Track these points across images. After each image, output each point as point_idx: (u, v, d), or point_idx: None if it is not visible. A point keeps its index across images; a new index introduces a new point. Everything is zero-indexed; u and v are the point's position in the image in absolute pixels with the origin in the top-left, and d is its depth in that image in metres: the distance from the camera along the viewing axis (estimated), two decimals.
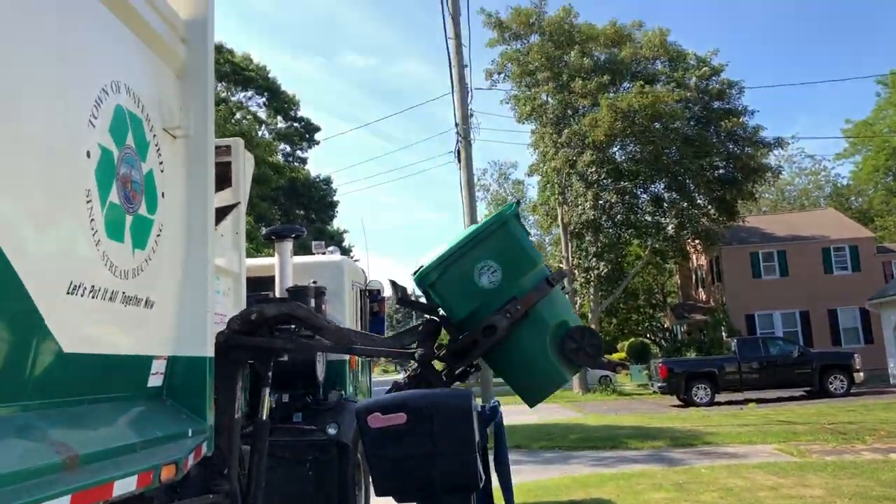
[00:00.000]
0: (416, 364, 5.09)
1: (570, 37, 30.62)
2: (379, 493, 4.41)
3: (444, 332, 5.26)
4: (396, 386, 5.16)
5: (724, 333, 33.76)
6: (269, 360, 5.33)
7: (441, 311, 5.24)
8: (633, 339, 46.41)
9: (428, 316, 5.35)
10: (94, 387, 3.31)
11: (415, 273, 5.25)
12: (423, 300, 5.47)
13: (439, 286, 5.03)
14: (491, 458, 5.55)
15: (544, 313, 4.93)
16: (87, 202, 3.16)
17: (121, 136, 3.49)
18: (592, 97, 29.94)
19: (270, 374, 5.34)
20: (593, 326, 34.40)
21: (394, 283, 5.66)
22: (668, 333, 43.77)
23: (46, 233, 2.90)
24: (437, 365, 5.26)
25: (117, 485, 2.85)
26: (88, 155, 3.18)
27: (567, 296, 5.69)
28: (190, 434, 3.91)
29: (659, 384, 25.80)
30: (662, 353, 38.36)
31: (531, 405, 5.33)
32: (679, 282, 46.16)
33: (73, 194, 3.07)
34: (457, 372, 5.22)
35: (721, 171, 32.20)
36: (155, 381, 3.93)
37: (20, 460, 2.58)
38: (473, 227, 5.43)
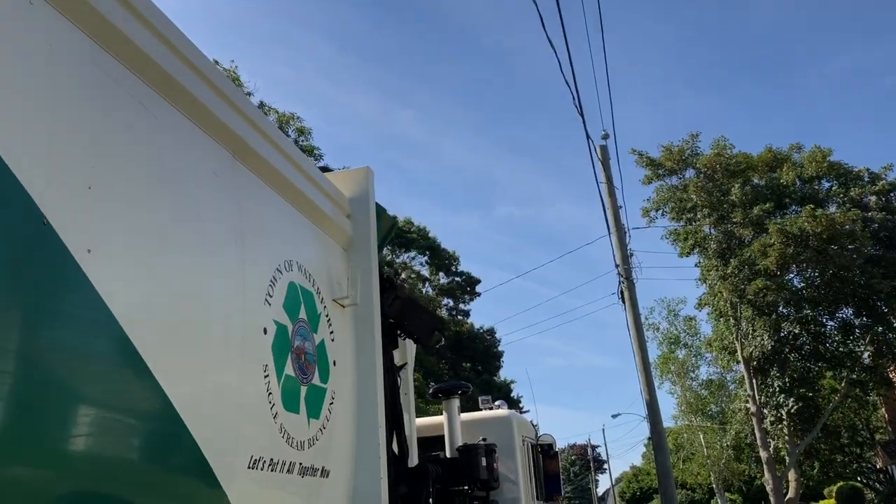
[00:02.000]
0: None
1: (727, 169, 30.05)
2: None
3: None
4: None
5: None
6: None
7: None
8: (841, 484, 41.58)
9: None
10: None
11: None
12: None
13: None
14: None
15: None
16: (265, 376, 3.32)
17: (294, 311, 3.70)
18: (756, 226, 28.81)
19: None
20: (792, 472, 31.27)
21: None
22: (881, 475, 38.93)
23: (227, 408, 3.04)
24: None
25: None
26: (265, 332, 3.37)
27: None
28: None
29: None
30: (878, 499, 33.97)
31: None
32: (887, 416, 41.47)
33: (251, 369, 3.23)
34: None
35: None
36: None
37: None
38: None
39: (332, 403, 3.96)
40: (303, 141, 24.08)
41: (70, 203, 2.34)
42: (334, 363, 4.08)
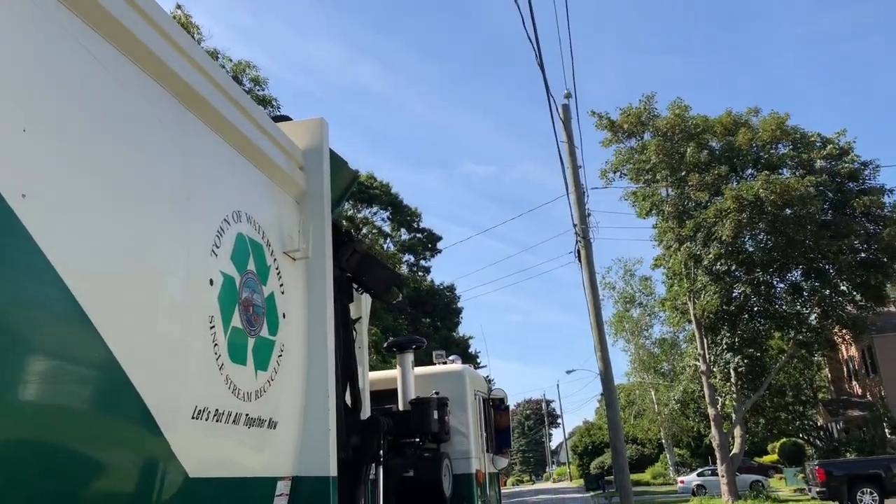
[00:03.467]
0: None
1: (685, 131, 30.26)
2: None
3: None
4: None
5: (887, 430, 30.81)
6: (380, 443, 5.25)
7: None
8: (784, 440, 43.12)
9: None
10: None
11: None
12: None
13: None
14: None
15: None
16: (211, 328, 3.29)
17: (242, 263, 3.66)
18: (711, 189, 29.20)
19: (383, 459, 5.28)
20: (738, 429, 32.27)
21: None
22: (822, 432, 40.42)
23: (171, 359, 3.02)
24: None
25: None
26: (211, 283, 3.34)
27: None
28: None
29: (818, 489, 23.63)
30: (818, 454, 35.32)
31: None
32: (830, 376, 42.96)
33: (196, 320, 3.21)
34: None
35: (862, 254, 30.21)
36: (280, 502, 3.94)
37: None
38: None
39: (280, 356, 3.96)
40: (259, 91, 23.63)
41: (2, 146, 2.27)
42: (284, 316, 4.06)
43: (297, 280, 4.36)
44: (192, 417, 3.10)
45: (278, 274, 4.08)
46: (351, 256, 5.35)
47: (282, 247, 4.19)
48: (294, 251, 4.30)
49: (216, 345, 3.31)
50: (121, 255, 2.78)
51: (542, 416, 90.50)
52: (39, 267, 2.36)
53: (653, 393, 48.09)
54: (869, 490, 22.51)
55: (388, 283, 6.13)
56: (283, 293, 4.09)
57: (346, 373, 5.03)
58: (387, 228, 42.55)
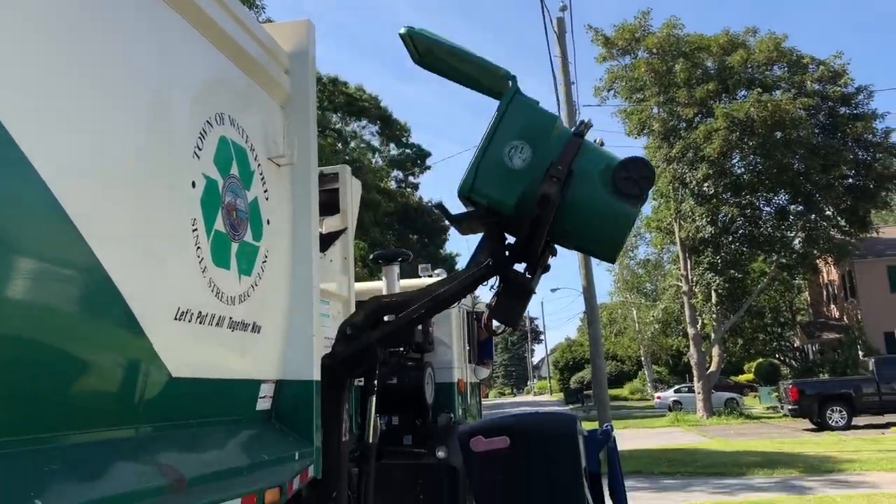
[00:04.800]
0: (498, 277, 4.89)
1: (678, 48, 29.74)
2: None
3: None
4: (488, 307, 4.99)
5: (860, 352, 31.62)
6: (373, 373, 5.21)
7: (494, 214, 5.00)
8: (761, 360, 44.24)
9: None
10: (202, 411, 3.41)
11: (458, 192, 5.10)
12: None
13: (479, 186, 4.73)
14: (605, 484, 5.37)
15: (585, 164, 4.65)
16: (193, 230, 3.27)
17: (225, 166, 3.61)
18: (699, 106, 28.93)
19: (375, 391, 5.29)
20: (716, 348, 33.00)
21: (440, 206, 5.41)
22: (798, 353, 41.46)
23: (153, 260, 3.01)
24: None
25: None
26: (193, 185, 3.30)
27: (603, 146, 5.48)
28: (297, 457, 3.96)
29: (790, 407, 24.40)
30: (793, 374, 36.32)
31: (612, 260, 5.07)
32: (809, 299, 43.75)
33: (178, 223, 3.19)
34: (539, 262, 4.94)
35: (850, 180, 30.32)
36: (263, 404, 4.01)
37: (128, 483, 2.67)
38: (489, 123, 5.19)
39: (265, 261, 3.96)
40: None
41: None
42: (268, 222, 4.04)
43: (282, 187, 4.31)
44: (175, 318, 3.12)
45: (262, 180, 4.04)
46: None
47: (266, 152, 4.13)
48: (279, 157, 4.24)
49: (199, 248, 3.30)
50: (101, 156, 2.73)
51: (525, 332, 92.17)
52: (21, 169, 2.31)
53: (634, 312, 48.92)
54: (838, 409, 23.25)
55: None
56: (267, 199, 4.06)
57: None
58: (376, 143, 42.14)
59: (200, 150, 3.37)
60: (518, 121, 4.84)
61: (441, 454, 6.94)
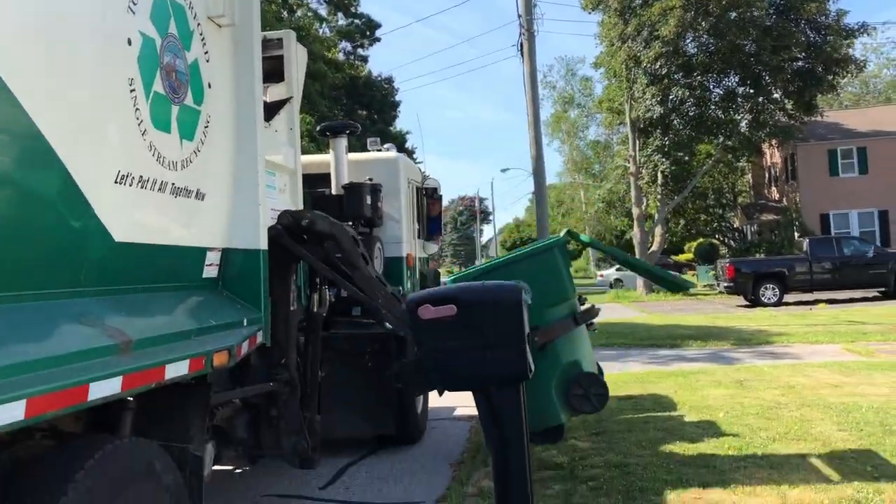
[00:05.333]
0: None
1: None
2: (431, 386, 4.47)
3: None
4: None
5: (796, 233, 32.81)
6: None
7: None
8: (701, 240, 45.59)
9: None
10: (147, 276, 3.39)
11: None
12: None
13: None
14: None
15: (560, 350, 4.85)
16: (131, 91, 3.15)
17: (163, 24, 3.44)
18: None
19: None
20: (659, 228, 33.82)
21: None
22: (737, 234, 42.80)
23: (91, 122, 2.89)
24: None
25: (169, 368, 2.94)
26: (129, 42, 3.14)
27: (594, 333, 6.16)
28: (245, 323, 4.01)
29: (725, 284, 25.39)
30: (731, 254, 37.60)
31: None
32: (751, 181, 44.76)
33: (115, 83, 3.05)
34: None
35: (800, 63, 30.44)
36: (210, 272, 4.00)
37: (76, 343, 2.67)
38: (522, 249, 5.53)
39: (207, 127, 3.85)
40: None
41: None
42: (209, 86, 3.90)
43: (224, 49, 4.14)
44: (116, 182, 3.04)
45: (202, 40, 3.86)
46: None
47: (206, 11, 3.93)
48: (219, 17, 4.04)
49: (138, 109, 3.18)
50: (32, 14, 2.56)
51: (474, 212, 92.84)
52: None
53: (582, 193, 49.56)
54: (771, 286, 24.30)
55: None
56: (208, 62, 3.90)
57: None
58: (323, 12, 40.44)
59: (135, 4, 3.19)
60: (541, 269, 5.28)
61: (390, 325, 7.08)
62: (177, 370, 3.00)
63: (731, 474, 5.53)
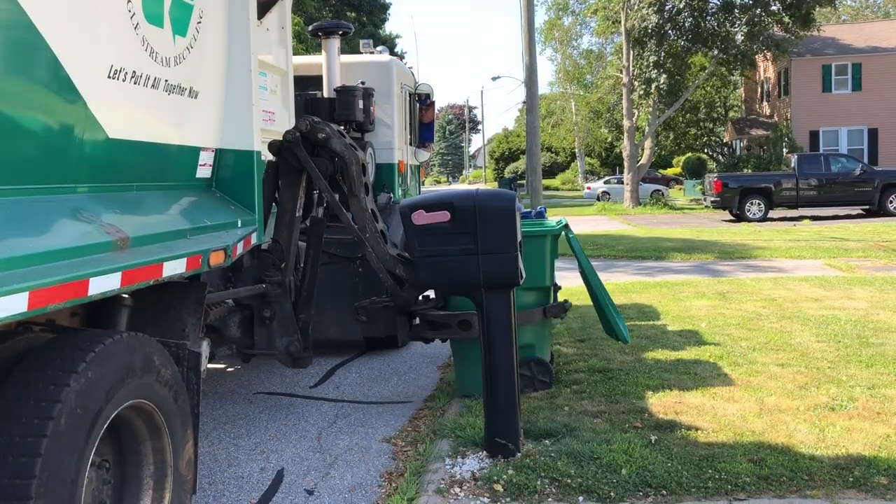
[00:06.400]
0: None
1: None
2: (422, 287, 4.54)
3: None
4: None
5: (785, 149, 32.79)
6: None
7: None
8: (689, 155, 45.50)
9: None
10: (142, 174, 3.37)
11: None
12: None
13: None
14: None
15: (520, 332, 4.83)
16: None
17: None
18: None
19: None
20: (649, 141, 33.65)
21: None
22: (726, 149, 42.72)
23: (82, 15, 2.81)
24: None
25: (167, 266, 2.96)
26: None
27: (561, 322, 6.29)
28: (239, 224, 4.01)
29: (712, 199, 25.52)
30: (719, 169, 37.65)
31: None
32: (743, 95, 44.35)
33: None
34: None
35: None
36: (203, 172, 3.98)
37: (74, 238, 2.68)
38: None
39: (199, 22, 3.74)
40: None
41: None
42: None
43: None
44: (109, 77, 2.98)
45: None
46: None
47: None
48: None
49: (129, 1, 3.08)
50: None
51: (463, 121, 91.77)
52: None
53: (573, 104, 48.97)
54: (757, 201, 24.45)
55: None
56: None
57: None
58: None
59: None
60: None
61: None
62: (174, 268, 3.02)
63: (710, 381, 5.72)
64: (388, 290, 5.17)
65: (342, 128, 5.48)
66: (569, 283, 7.99)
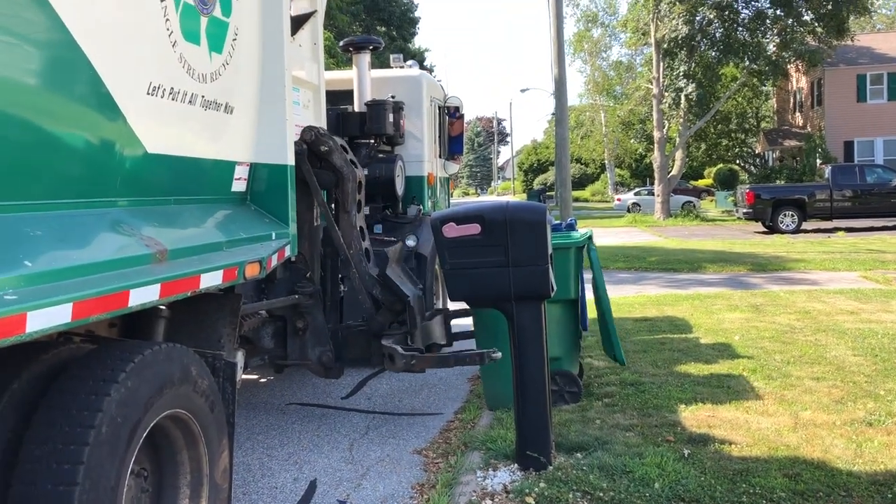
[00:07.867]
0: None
1: None
2: (453, 299, 4.56)
3: None
4: None
5: (818, 160, 32.34)
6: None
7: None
8: (721, 166, 45.07)
9: None
10: (179, 188, 3.44)
11: None
12: None
13: None
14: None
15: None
16: (161, 2, 3.12)
17: None
18: None
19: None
20: (680, 152, 33.39)
21: None
22: (758, 160, 42.23)
23: (122, 33, 2.89)
24: None
25: (204, 277, 3.02)
26: None
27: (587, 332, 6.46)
28: (273, 237, 4.07)
29: (744, 210, 25.22)
30: (751, 180, 37.24)
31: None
32: (776, 106, 43.86)
33: None
34: None
35: None
36: (238, 186, 4.05)
37: (114, 251, 2.75)
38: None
39: (235, 39, 3.82)
40: None
41: None
42: None
43: None
44: (147, 93, 3.05)
45: None
46: None
47: None
48: None
49: (168, 20, 3.16)
50: None
51: (492, 133, 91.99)
52: None
53: (602, 115, 48.80)
54: (790, 213, 24.13)
55: None
56: None
57: None
58: None
59: None
60: None
61: (411, 242, 7.15)
62: (211, 280, 3.08)
63: (744, 394, 5.65)
64: (363, 314, 5.26)
65: (345, 141, 5.63)
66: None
